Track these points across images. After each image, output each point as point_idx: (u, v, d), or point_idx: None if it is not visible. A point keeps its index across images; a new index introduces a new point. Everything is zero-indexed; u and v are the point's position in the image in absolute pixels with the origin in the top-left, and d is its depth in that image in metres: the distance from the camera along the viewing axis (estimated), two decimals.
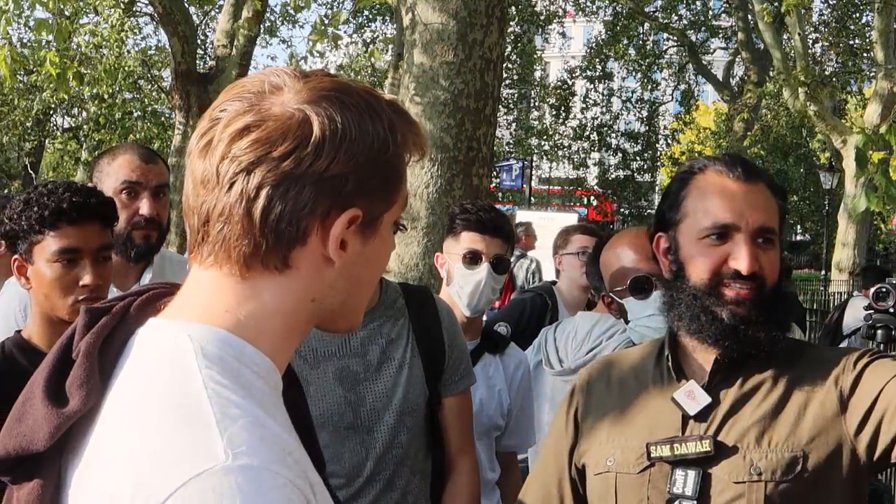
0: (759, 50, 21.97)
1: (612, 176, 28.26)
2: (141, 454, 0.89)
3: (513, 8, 19.95)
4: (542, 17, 24.18)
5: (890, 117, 14.15)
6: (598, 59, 25.75)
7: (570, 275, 4.16)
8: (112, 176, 2.62)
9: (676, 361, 1.69)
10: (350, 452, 2.19)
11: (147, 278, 2.67)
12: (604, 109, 27.50)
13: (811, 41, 19.87)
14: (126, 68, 17.79)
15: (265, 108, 0.97)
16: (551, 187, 32.09)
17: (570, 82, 26.64)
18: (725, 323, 1.60)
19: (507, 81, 24.12)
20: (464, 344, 2.47)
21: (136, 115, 20.53)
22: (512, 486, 2.79)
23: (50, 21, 8.51)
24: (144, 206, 2.61)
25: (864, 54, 19.83)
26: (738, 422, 1.61)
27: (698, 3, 25.03)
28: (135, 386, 0.96)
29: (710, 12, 25.66)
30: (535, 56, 26.54)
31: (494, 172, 20.18)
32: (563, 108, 26.40)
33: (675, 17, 25.08)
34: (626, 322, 2.70)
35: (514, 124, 28.80)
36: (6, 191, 22.70)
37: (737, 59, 26.47)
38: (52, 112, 23.11)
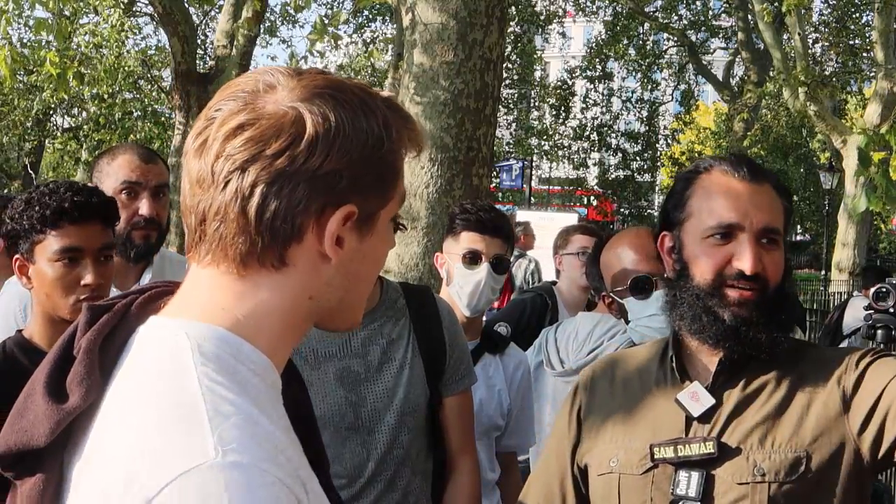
0: (759, 50, 21.98)
1: (612, 176, 28.26)
2: (134, 450, 0.89)
3: (513, 8, 19.97)
4: (542, 17, 24.19)
5: (891, 118, 14.15)
6: (598, 59, 25.76)
7: (571, 275, 4.16)
8: (112, 176, 2.62)
9: (680, 362, 1.69)
10: (351, 453, 2.19)
11: (147, 278, 2.67)
12: (604, 109, 27.50)
13: (811, 41, 19.88)
14: (126, 68, 17.80)
15: (259, 106, 0.97)
16: (551, 187, 32.08)
17: (570, 82, 26.65)
18: (727, 324, 1.60)
19: (507, 81, 24.13)
20: (465, 343, 2.47)
21: (136, 115, 20.52)
22: (512, 486, 2.79)
23: (50, 21, 8.51)
24: (144, 207, 2.61)
25: (864, 54, 19.83)
26: (741, 423, 1.60)
27: (698, 3, 25.05)
28: (133, 382, 0.97)
29: (710, 12, 25.67)
30: (535, 56, 26.54)
31: (494, 172, 20.18)
32: (563, 108, 26.40)
33: (675, 17, 25.09)
34: (627, 322, 2.70)
35: (514, 124, 28.79)
36: (6, 191, 22.70)
37: (737, 59, 26.48)
38: (52, 112, 23.10)
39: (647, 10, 24.15)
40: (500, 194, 24.67)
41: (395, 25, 12.42)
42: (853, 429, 1.56)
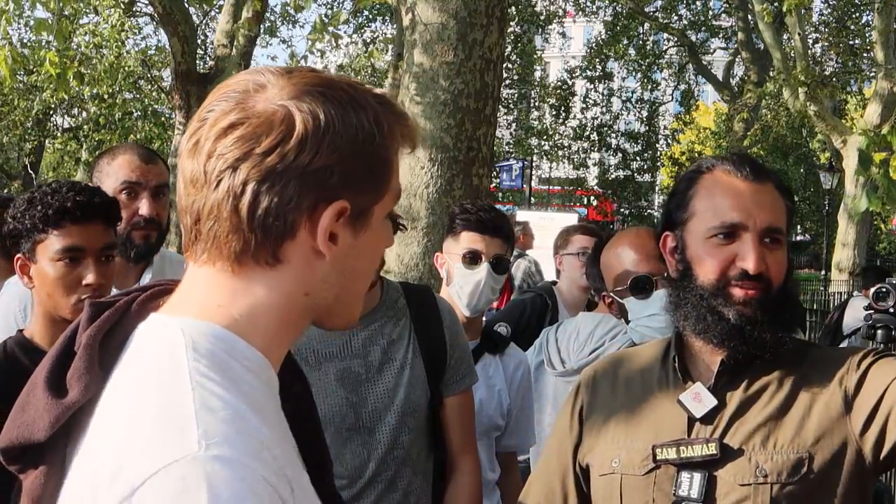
0: (759, 50, 21.98)
1: (612, 176, 28.25)
2: (123, 442, 0.91)
3: (513, 8, 19.96)
4: (542, 17, 24.19)
5: (891, 118, 14.15)
6: (598, 59, 25.75)
7: (571, 275, 4.16)
8: (112, 176, 2.62)
9: (683, 363, 1.69)
10: (352, 454, 2.19)
11: (147, 278, 2.67)
12: (604, 109, 27.49)
13: (811, 41, 19.88)
14: (126, 68, 17.79)
15: (249, 105, 0.98)
16: (551, 187, 32.08)
17: (570, 82, 26.64)
18: (732, 323, 1.60)
19: (507, 81, 24.11)
20: (465, 343, 2.47)
21: (136, 115, 20.51)
22: (512, 486, 2.79)
23: (50, 21, 8.51)
24: (144, 207, 2.61)
25: (864, 54, 19.84)
26: (743, 424, 1.60)
27: (698, 3, 25.04)
28: (130, 378, 0.98)
29: (710, 12, 25.67)
30: (535, 56, 26.53)
31: (494, 172, 20.19)
32: (563, 108, 26.39)
33: (675, 17, 25.09)
34: (627, 322, 2.70)
35: (514, 124, 28.79)
36: (6, 191, 22.70)
37: (737, 59, 26.48)
38: (52, 112, 23.09)
39: (647, 10, 24.15)
40: (500, 194, 24.67)
41: (395, 25, 12.42)
42: (855, 429, 1.56)
